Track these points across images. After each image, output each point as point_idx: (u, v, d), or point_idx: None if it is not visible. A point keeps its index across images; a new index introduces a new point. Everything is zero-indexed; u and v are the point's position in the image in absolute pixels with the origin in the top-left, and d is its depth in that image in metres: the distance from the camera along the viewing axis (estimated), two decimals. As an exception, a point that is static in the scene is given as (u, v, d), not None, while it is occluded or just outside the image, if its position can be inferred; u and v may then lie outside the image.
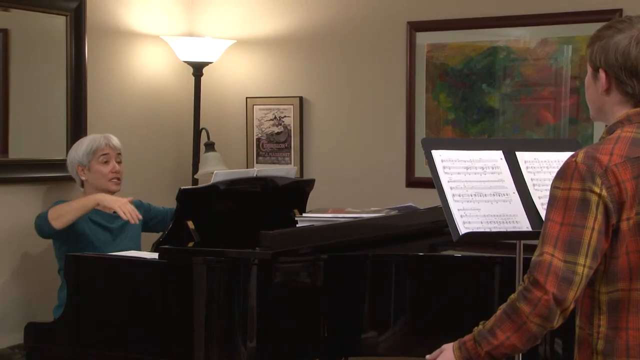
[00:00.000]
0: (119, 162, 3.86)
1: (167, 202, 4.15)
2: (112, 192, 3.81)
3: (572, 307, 1.98)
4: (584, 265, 1.96)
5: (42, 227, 3.67)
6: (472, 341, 2.06)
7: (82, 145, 3.83)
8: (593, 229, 1.97)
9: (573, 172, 2.00)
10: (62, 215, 3.63)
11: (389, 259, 3.21)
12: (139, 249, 3.84)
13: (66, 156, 3.95)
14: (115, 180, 3.82)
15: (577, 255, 1.96)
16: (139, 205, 3.87)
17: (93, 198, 3.67)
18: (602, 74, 2.11)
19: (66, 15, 4.26)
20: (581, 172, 1.99)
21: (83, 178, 3.82)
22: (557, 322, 1.98)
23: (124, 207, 3.59)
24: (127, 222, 3.67)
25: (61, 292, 3.75)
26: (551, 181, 2.05)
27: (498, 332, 2.02)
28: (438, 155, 2.48)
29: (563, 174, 2.02)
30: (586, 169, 1.99)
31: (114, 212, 3.64)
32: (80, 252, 3.55)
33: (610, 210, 1.98)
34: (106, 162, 3.81)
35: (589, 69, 2.16)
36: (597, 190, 1.97)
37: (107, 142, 3.83)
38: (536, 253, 2.02)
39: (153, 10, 4.80)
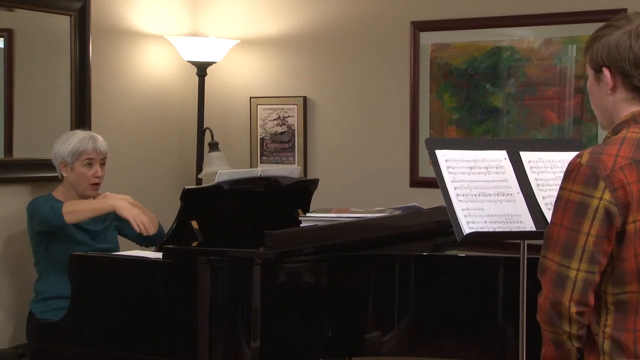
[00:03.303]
0: (103, 165, 3.86)
1: (170, 201, 4.15)
2: (88, 197, 3.83)
3: (577, 310, 1.98)
4: (578, 270, 1.97)
5: (51, 219, 3.64)
6: None
7: (70, 144, 3.81)
8: (588, 234, 1.96)
9: (576, 173, 1.99)
10: (77, 212, 3.65)
11: (392, 259, 3.21)
12: (117, 250, 3.85)
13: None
14: (94, 185, 3.83)
15: (571, 260, 1.97)
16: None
17: (110, 204, 3.70)
18: (606, 72, 2.09)
19: (70, 15, 4.27)
20: (584, 175, 1.98)
21: (64, 174, 3.84)
22: (569, 326, 1.99)
23: (138, 218, 3.65)
24: (107, 225, 3.85)
25: (37, 284, 3.80)
26: (555, 181, 2.05)
27: (543, 348, 2.09)
28: (442, 155, 2.47)
29: (567, 175, 2.02)
30: (590, 172, 1.98)
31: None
32: (63, 250, 3.57)
33: (614, 213, 1.96)
34: (89, 165, 3.81)
35: (591, 72, 2.14)
36: (598, 194, 1.96)
37: (94, 146, 3.81)
38: (541, 253, 2.05)
39: (157, 10, 4.81)
